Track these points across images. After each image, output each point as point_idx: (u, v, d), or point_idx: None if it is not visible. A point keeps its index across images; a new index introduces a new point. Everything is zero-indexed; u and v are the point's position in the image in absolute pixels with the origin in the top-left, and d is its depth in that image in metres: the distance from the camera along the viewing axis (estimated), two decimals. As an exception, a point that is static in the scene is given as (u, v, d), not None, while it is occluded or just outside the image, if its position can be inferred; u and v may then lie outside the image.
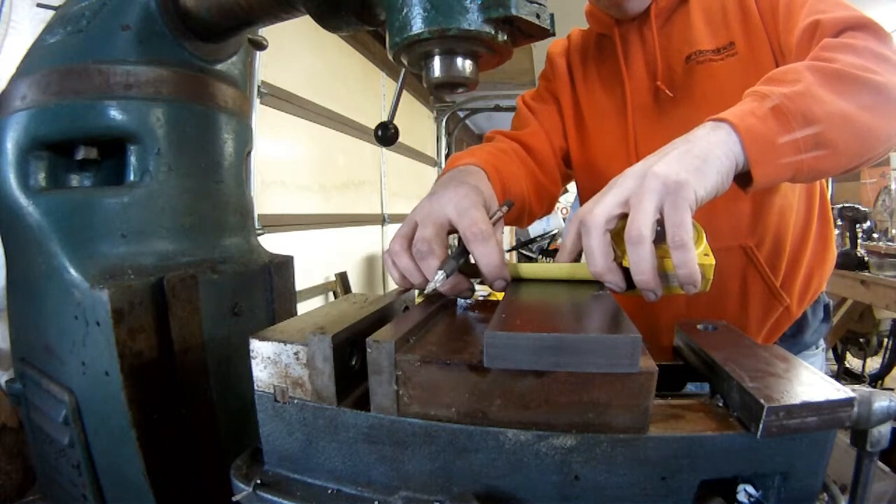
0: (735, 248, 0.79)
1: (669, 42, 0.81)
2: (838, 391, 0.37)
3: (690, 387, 0.53)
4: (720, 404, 0.42)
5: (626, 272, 0.47)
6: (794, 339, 0.86)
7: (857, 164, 0.57)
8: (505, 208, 0.59)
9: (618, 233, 0.47)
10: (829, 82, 0.53)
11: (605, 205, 0.47)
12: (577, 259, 0.53)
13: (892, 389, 0.43)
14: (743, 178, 0.51)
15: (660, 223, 0.46)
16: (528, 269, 0.55)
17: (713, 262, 0.47)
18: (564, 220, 6.07)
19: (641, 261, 0.44)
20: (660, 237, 0.45)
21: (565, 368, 0.36)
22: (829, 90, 0.53)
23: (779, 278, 0.80)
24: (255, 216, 1.63)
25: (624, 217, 0.47)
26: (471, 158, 0.72)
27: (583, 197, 0.98)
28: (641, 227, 0.44)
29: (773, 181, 0.52)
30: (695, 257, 0.44)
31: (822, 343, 0.91)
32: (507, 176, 0.74)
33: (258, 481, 0.42)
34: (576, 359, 0.36)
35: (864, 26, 0.61)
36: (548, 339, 0.36)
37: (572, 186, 1.03)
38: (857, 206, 2.96)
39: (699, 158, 0.47)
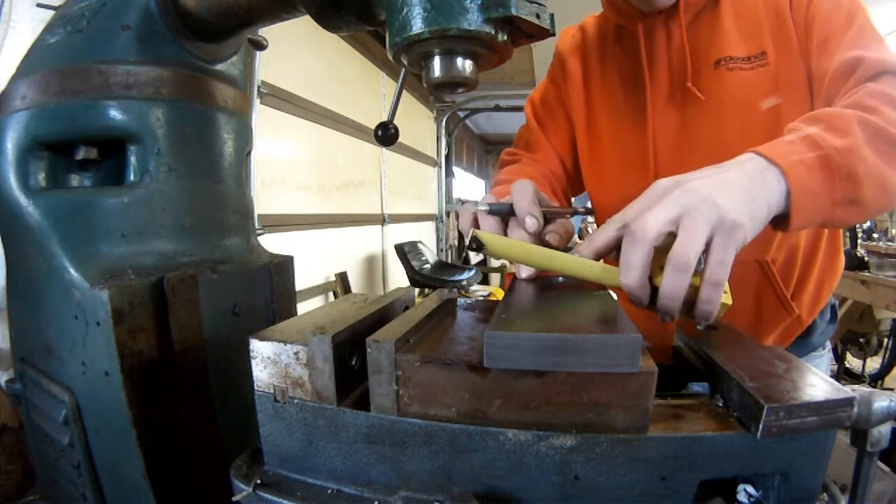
0: (751, 262, 0.78)
1: (697, 42, 0.77)
2: (838, 391, 0.37)
3: (696, 387, 0.53)
4: (720, 404, 0.42)
5: (651, 289, 0.46)
6: (803, 342, 0.85)
7: (876, 216, 0.58)
8: (583, 208, 0.64)
9: (658, 248, 0.45)
10: (875, 141, 0.53)
11: (657, 219, 0.44)
12: (597, 257, 0.51)
13: (892, 389, 0.43)
14: (773, 219, 0.51)
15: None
16: (554, 257, 0.52)
17: (731, 303, 0.46)
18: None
19: (677, 288, 0.43)
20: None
21: (565, 368, 0.36)
22: (873, 150, 0.53)
23: (790, 289, 0.80)
24: (255, 216, 1.63)
25: (669, 234, 0.45)
26: (521, 176, 0.74)
27: (595, 204, 0.94)
28: (690, 255, 0.42)
29: (803, 228, 0.52)
30: (721, 297, 0.44)
31: (828, 344, 0.90)
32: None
33: (258, 481, 0.42)
34: (576, 359, 0.36)
35: None
36: (548, 339, 0.36)
37: None
38: (857, 206, 2.95)
39: (754, 201, 0.46)
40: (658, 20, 0.79)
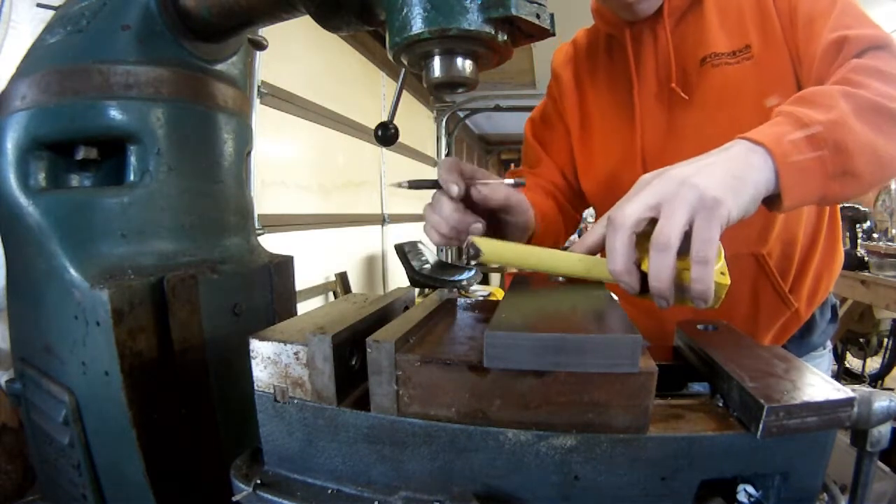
0: (746, 256, 0.78)
1: (683, 43, 0.78)
2: (838, 391, 0.37)
3: (696, 387, 0.53)
4: (720, 404, 0.42)
5: (642, 275, 0.46)
6: (802, 341, 0.85)
7: (875, 188, 0.58)
8: (511, 181, 0.65)
9: (643, 235, 0.46)
10: (861, 112, 0.54)
11: (636, 206, 0.46)
12: (589, 254, 0.52)
13: (892, 389, 0.43)
14: (768, 199, 0.51)
15: (685, 235, 0.45)
16: (545, 256, 0.52)
17: (728, 282, 0.46)
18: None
19: (662, 269, 0.44)
20: (682, 248, 0.45)
21: (565, 368, 0.36)
22: (861, 121, 0.53)
23: (788, 283, 0.80)
24: (255, 216, 1.63)
25: (652, 221, 0.46)
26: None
27: (596, 206, 0.96)
28: (671, 235, 0.43)
29: (799, 206, 0.52)
30: (713, 274, 0.44)
31: (828, 344, 0.90)
32: (547, 211, 0.83)
33: (258, 481, 0.42)
34: (576, 359, 0.36)
35: (889, 46, 0.61)
36: (548, 339, 0.36)
37: None
38: (857, 206, 2.95)
39: (738, 179, 0.47)
40: (645, 26, 0.81)
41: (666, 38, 0.78)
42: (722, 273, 0.45)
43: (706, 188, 0.44)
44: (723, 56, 0.75)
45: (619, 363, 0.36)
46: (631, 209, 0.46)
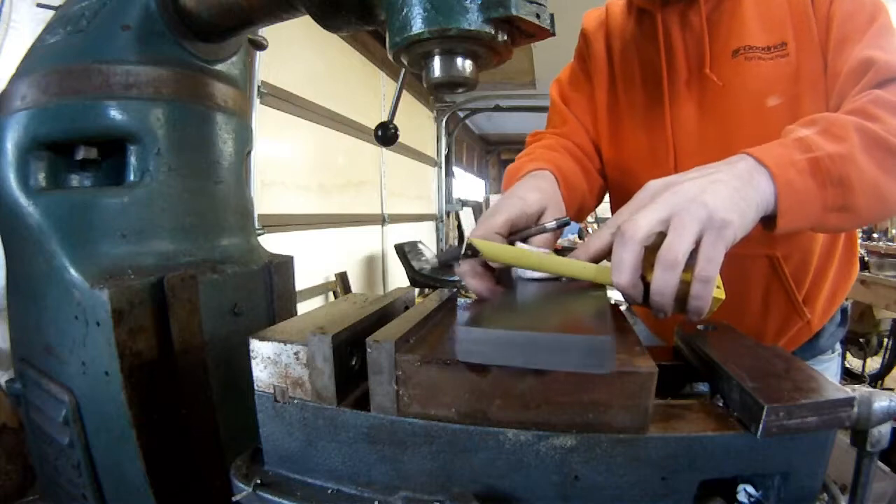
0: (761, 258, 0.77)
1: (717, 31, 0.76)
2: (838, 391, 0.37)
3: (701, 387, 0.53)
4: (720, 404, 0.42)
5: (644, 286, 0.47)
6: (808, 344, 0.83)
7: (872, 223, 0.58)
8: (553, 223, 0.59)
9: (648, 247, 0.46)
10: (871, 149, 0.54)
11: (647, 219, 0.46)
12: (593, 261, 0.52)
13: (892, 389, 0.43)
14: (763, 218, 0.52)
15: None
16: (546, 261, 0.52)
17: (723, 297, 0.47)
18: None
19: (667, 285, 0.44)
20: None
21: (535, 366, 0.36)
22: (869, 157, 0.53)
23: (802, 292, 0.78)
24: (255, 216, 1.63)
25: (660, 234, 0.46)
26: (538, 163, 0.73)
27: (612, 195, 0.93)
28: (678, 253, 0.44)
29: (793, 230, 0.53)
30: (712, 292, 0.44)
31: (837, 347, 0.87)
32: (569, 174, 0.76)
33: (258, 481, 0.42)
34: (546, 357, 0.35)
35: None
36: (517, 337, 0.36)
37: None
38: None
39: (744, 201, 0.47)
40: (676, 9, 0.78)
41: (701, 24, 0.76)
42: (717, 287, 0.46)
43: (716, 209, 0.44)
44: (757, 50, 0.73)
45: (588, 364, 0.35)
46: (643, 222, 0.46)
